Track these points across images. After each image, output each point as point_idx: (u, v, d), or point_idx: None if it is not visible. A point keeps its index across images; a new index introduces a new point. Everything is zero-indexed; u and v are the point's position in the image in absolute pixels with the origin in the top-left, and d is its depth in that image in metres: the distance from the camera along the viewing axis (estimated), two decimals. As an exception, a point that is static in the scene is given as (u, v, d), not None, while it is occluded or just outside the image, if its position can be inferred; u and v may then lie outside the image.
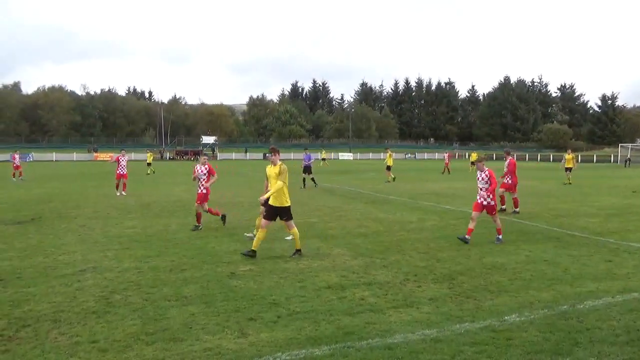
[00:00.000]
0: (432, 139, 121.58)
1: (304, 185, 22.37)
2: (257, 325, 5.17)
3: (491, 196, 9.43)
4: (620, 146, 71.57)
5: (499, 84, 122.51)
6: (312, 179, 22.95)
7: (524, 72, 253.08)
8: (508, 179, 14.18)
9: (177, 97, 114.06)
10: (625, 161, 58.51)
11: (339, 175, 30.78)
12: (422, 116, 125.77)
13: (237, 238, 10.09)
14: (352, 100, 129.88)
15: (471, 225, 9.44)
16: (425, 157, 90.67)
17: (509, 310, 5.62)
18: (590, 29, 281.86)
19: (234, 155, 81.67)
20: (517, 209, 13.88)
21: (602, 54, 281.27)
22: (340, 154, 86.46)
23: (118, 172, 20.08)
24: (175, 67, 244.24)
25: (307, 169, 23.01)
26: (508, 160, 14.47)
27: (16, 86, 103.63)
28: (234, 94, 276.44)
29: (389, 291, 6.38)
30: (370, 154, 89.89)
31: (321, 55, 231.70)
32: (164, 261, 8.04)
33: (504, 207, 14.20)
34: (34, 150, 71.35)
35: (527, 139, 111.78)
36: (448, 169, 36.85)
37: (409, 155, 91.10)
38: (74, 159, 69.23)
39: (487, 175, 9.50)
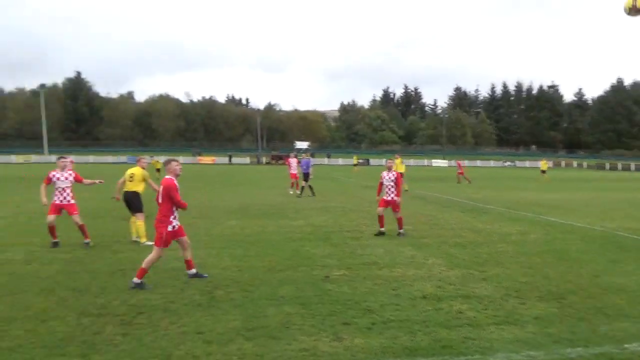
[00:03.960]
0: (533, 146, 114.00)
1: (301, 192, 20.57)
2: (352, 330, 5.17)
3: (395, 192, 10.98)
4: None
5: (611, 87, 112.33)
6: (310, 187, 20.82)
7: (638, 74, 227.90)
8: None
9: (272, 103, 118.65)
10: None
11: (432, 182, 29.98)
12: (521, 122, 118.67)
13: (332, 242, 10.19)
14: (445, 105, 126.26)
15: (380, 217, 11.06)
16: (527, 165, 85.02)
17: (630, 337, 5.07)
18: None
19: (326, 161, 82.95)
20: None
21: None
22: (433, 160, 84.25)
23: (291, 172, 22.50)
24: (271, 74, 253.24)
25: (305, 177, 21.11)
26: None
27: (130, 95, 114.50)
28: (326, 101, 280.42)
29: (489, 306, 6.06)
30: (466, 161, 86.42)
31: (412, 60, 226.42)
32: (261, 261, 8.34)
33: None
34: (147, 154, 77.99)
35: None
36: (466, 178, 32.53)
37: (508, 163, 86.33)
38: (181, 162, 74.37)
39: (394, 175, 11.13)
